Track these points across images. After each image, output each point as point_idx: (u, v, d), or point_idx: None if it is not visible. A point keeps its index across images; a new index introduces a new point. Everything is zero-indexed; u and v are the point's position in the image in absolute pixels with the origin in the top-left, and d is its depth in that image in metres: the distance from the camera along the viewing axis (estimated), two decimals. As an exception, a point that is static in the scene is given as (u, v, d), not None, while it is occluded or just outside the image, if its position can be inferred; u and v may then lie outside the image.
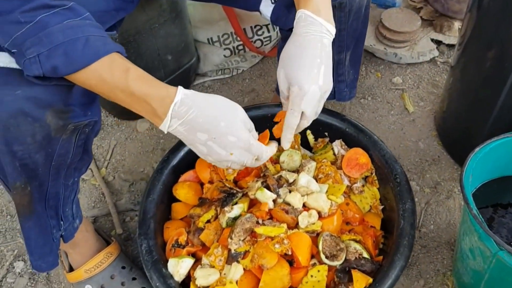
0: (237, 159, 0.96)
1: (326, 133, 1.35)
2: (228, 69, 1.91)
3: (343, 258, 1.11)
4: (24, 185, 0.97)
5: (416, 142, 1.65)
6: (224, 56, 1.86)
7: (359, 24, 1.26)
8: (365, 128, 1.30)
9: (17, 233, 1.52)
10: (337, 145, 1.32)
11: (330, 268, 1.10)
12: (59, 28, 0.79)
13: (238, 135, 0.94)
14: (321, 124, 1.34)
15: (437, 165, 1.58)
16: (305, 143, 1.39)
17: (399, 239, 1.11)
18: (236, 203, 1.15)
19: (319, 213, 1.15)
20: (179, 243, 1.17)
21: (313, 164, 1.26)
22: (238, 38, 1.82)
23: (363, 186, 1.28)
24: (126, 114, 1.78)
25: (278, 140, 1.08)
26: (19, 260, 1.45)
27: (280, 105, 1.35)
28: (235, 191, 1.17)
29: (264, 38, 1.85)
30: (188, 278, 1.13)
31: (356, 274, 1.08)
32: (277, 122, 1.10)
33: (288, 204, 1.14)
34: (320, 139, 1.37)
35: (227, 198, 1.15)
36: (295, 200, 1.14)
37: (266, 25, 1.82)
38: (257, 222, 1.11)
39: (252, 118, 1.31)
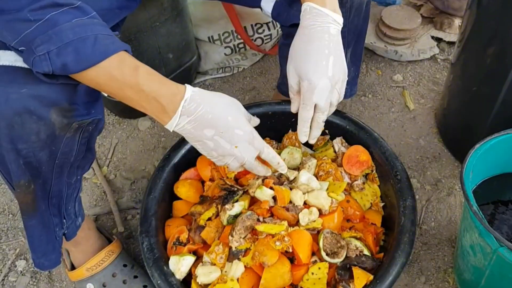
0: (240, 153, 1.00)
1: (327, 131, 1.35)
2: (229, 67, 1.92)
3: (344, 255, 1.11)
4: (28, 183, 0.98)
5: (417, 139, 1.65)
6: (225, 54, 1.86)
7: (360, 20, 1.26)
8: (365, 125, 1.30)
9: (19, 231, 1.52)
10: (338, 143, 1.33)
11: (330, 265, 1.11)
12: (69, 26, 0.80)
13: (244, 128, 0.98)
14: (322, 121, 1.34)
15: (438, 162, 1.58)
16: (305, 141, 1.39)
17: (399, 236, 1.11)
18: (237, 201, 1.16)
19: (319, 210, 1.15)
20: (180, 241, 1.17)
21: (314, 161, 1.26)
22: (239, 36, 1.82)
23: (363, 183, 1.28)
24: (127, 113, 1.78)
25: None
26: (21, 259, 1.46)
27: (280, 102, 1.36)
28: (235, 189, 1.17)
29: (264, 36, 1.85)
30: (190, 275, 1.14)
31: (356, 271, 1.08)
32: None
33: (289, 201, 1.14)
34: (320, 137, 1.37)
35: (228, 195, 1.16)
36: (297, 197, 1.14)
37: (267, 23, 1.82)
38: (258, 220, 1.11)
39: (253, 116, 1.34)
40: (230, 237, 1.09)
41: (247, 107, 1.33)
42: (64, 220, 1.13)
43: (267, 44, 1.88)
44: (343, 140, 1.33)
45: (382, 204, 1.27)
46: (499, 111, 1.31)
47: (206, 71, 1.92)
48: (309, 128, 1.09)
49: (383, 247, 1.20)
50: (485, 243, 1.00)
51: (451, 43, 1.93)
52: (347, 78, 1.09)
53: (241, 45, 1.86)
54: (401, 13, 1.90)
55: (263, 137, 1.37)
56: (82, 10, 0.84)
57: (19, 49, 0.82)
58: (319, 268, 1.09)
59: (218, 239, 1.14)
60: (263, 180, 1.17)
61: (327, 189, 1.20)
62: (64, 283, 1.40)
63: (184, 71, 1.79)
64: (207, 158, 1.28)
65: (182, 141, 1.29)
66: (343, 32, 1.21)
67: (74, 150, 1.01)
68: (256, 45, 1.85)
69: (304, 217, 1.13)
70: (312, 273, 1.09)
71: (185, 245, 1.16)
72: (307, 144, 1.39)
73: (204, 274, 1.09)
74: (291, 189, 1.16)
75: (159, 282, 1.08)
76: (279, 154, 1.32)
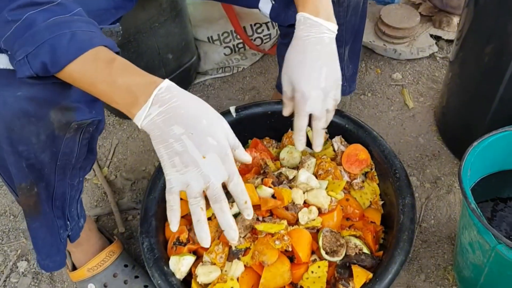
0: (207, 168, 0.84)
1: (326, 130, 1.36)
2: (228, 67, 1.92)
3: (343, 254, 1.12)
4: (30, 186, 0.98)
5: (416, 137, 1.66)
6: (225, 54, 1.87)
7: (357, 19, 1.27)
8: (364, 124, 1.31)
9: (20, 233, 1.53)
10: (337, 141, 1.33)
11: (330, 263, 1.11)
12: (45, 26, 0.78)
13: (218, 139, 0.84)
14: (321, 120, 1.34)
15: (437, 160, 1.59)
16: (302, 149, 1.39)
17: (399, 234, 1.11)
18: (236, 200, 1.16)
19: (319, 209, 1.16)
20: (180, 241, 1.17)
21: (313, 160, 1.26)
22: (238, 36, 1.82)
23: (363, 181, 1.29)
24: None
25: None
26: (22, 260, 1.46)
27: (280, 102, 1.35)
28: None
29: (264, 36, 1.85)
30: (190, 275, 1.14)
31: (356, 270, 1.09)
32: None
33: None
34: (320, 136, 1.37)
35: (227, 194, 1.16)
36: (297, 196, 1.14)
37: (266, 23, 1.83)
38: (257, 219, 1.12)
39: (252, 116, 1.34)
40: (229, 237, 1.10)
41: (247, 106, 1.34)
42: (68, 222, 1.13)
43: (267, 43, 1.89)
44: (342, 139, 1.33)
45: (382, 202, 1.28)
46: (497, 109, 1.32)
47: (206, 71, 1.93)
48: (304, 136, 1.09)
49: (383, 245, 1.20)
50: (484, 240, 1.00)
51: (450, 41, 1.93)
52: (341, 83, 1.09)
53: (240, 45, 1.86)
54: (400, 12, 1.90)
55: (263, 137, 1.39)
56: (63, 6, 0.81)
57: (8, 52, 0.81)
58: (319, 267, 1.09)
59: (218, 239, 1.14)
60: (262, 179, 1.17)
61: (327, 187, 1.21)
62: (65, 283, 1.41)
63: (184, 71, 1.79)
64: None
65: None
66: (340, 30, 1.22)
67: (75, 151, 1.00)
68: (256, 45, 1.85)
69: (304, 216, 1.13)
70: (312, 272, 1.09)
71: (185, 245, 1.17)
72: (306, 143, 1.40)
73: (204, 274, 1.09)
74: (290, 188, 1.17)
75: (159, 282, 1.09)
76: (278, 153, 1.33)
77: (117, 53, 0.85)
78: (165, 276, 1.10)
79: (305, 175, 1.19)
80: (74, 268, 1.33)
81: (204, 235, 0.87)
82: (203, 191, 0.85)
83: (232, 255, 1.10)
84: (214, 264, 1.11)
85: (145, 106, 0.81)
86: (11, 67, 0.84)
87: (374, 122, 1.70)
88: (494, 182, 1.21)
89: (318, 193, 1.16)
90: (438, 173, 1.55)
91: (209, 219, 1.16)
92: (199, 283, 1.10)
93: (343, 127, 1.32)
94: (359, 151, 1.29)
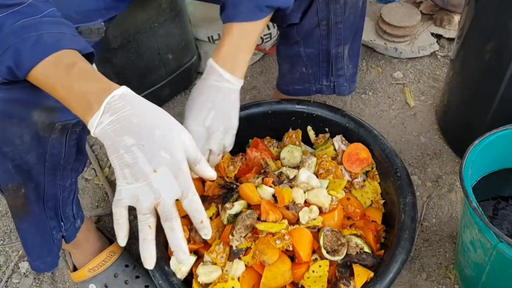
0: (158, 183, 0.76)
1: (327, 129, 1.36)
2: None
3: (344, 253, 1.11)
4: (17, 187, 0.97)
5: (418, 136, 1.65)
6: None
7: (356, 17, 1.27)
8: (365, 123, 1.31)
9: (22, 233, 1.53)
10: (338, 141, 1.33)
11: (331, 263, 1.11)
12: (12, 30, 0.76)
13: (172, 152, 0.76)
14: (322, 120, 1.34)
15: (439, 158, 1.58)
16: (306, 139, 1.39)
17: (400, 232, 1.11)
18: (236, 199, 1.16)
19: (320, 208, 1.16)
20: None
21: (314, 159, 1.26)
22: (238, 36, 1.82)
23: (364, 180, 1.29)
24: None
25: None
26: (24, 261, 1.46)
27: (280, 101, 1.36)
28: (234, 186, 1.18)
29: (264, 35, 1.85)
30: (191, 275, 1.14)
31: (357, 269, 1.09)
32: None
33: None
34: (320, 135, 1.37)
35: (227, 193, 1.16)
36: (298, 195, 1.14)
37: (266, 22, 1.82)
38: (258, 219, 1.12)
39: (253, 115, 1.34)
40: (230, 236, 1.10)
41: (247, 106, 1.34)
42: (62, 223, 1.12)
43: (267, 43, 1.88)
44: (343, 138, 1.33)
45: (383, 201, 1.28)
46: (498, 107, 1.31)
47: (207, 71, 1.92)
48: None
49: (384, 244, 1.20)
50: (485, 239, 1.00)
51: (451, 40, 1.93)
52: (234, 131, 1.10)
53: (240, 45, 1.86)
54: (400, 10, 1.90)
55: (264, 136, 1.39)
56: (34, 8, 0.79)
57: None
58: (320, 266, 1.09)
59: (219, 239, 1.15)
60: (262, 179, 1.17)
61: (327, 187, 1.21)
62: (67, 284, 1.41)
63: (184, 71, 1.79)
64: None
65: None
66: (338, 29, 1.22)
67: (62, 152, 0.99)
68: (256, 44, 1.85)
69: (304, 215, 1.13)
70: (313, 271, 1.09)
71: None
72: (307, 143, 1.40)
73: (205, 274, 1.10)
74: (291, 187, 1.17)
75: (160, 282, 1.09)
76: (279, 153, 1.33)
77: (91, 53, 0.82)
78: (166, 276, 1.10)
79: (305, 175, 1.18)
80: (75, 268, 1.33)
81: (147, 255, 0.78)
82: (154, 207, 0.78)
83: (233, 254, 1.10)
84: (215, 264, 1.11)
85: (97, 114, 0.76)
86: None
87: (375, 121, 1.70)
88: (495, 181, 1.21)
89: (318, 193, 1.16)
90: (440, 172, 1.55)
91: (209, 219, 1.16)
92: (200, 282, 1.10)
93: (344, 126, 1.32)
94: (360, 150, 1.28)
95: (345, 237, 1.14)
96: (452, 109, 1.55)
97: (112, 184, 1.61)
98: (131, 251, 1.44)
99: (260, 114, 1.35)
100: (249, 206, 1.16)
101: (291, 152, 1.30)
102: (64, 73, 0.76)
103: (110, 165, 1.65)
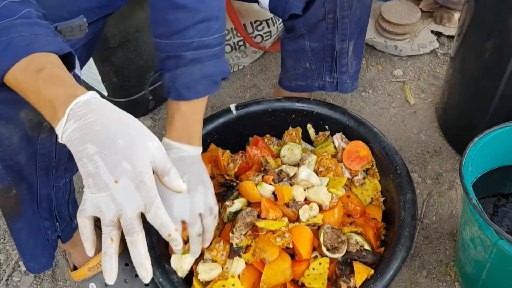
0: (119, 195, 0.72)
1: (327, 127, 1.36)
2: (229, 65, 1.92)
3: (345, 250, 1.12)
4: (8, 188, 0.95)
5: (418, 133, 1.65)
6: (225, 52, 1.86)
7: (363, 13, 1.26)
8: (365, 120, 1.31)
9: (22, 232, 1.53)
10: (338, 138, 1.33)
11: (331, 260, 1.11)
12: None
13: (135, 163, 0.72)
14: (322, 117, 1.34)
15: (439, 156, 1.58)
16: (306, 137, 1.39)
17: (400, 230, 1.11)
18: (236, 197, 1.16)
19: (320, 206, 1.16)
20: (182, 238, 1.17)
21: (314, 157, 1.26)
22: (238, 34, 1.82)
23: (364, 178, 1.29)
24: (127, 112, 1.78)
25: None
26: (24, 259, 1.47)
27: (280, 99, 1.36)
28: (234, 184, 1.18)
29: (264, 33, 1.85)
30: (191, 273, 1.14)
31: (357, 266, 1.09)
32: None
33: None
34: (320, 133, 1.37)
35: (227, 191, 1.16)
36: (298, 193, 1.14)
37: (266, 20, 1.82)
38: (258, 216, 1.12)
39: (253, 113, 1.34)
40: (230, 234, 1.10)
41: (247, 104, 1.34)
42: (58, 223, 1.11)
43: (267, 41, 1.88)
44: (343, 136, 1.33)
45: (383, 198, 1.28)
46: (498, 104, 1.31)
47: (206, 69, 1.92)
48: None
49: (384, 242, 1.20)
50: (485, 236, 1.00)
51: (451, 37, 1.93)
52: (212, 190, 1.09)
53: (240, 43, 1.86)
54: (400, 8, 1.89)
55: (264, 134, 1.39)
56: (8, 9, 0.77)
57: None
58: (320, 264, 1.10)
59: (219, 236, 1.15)
60: (262, 177, 1.17)
61: (327, 184, 1.21)
62: (67, 282, 1.41)
63: (184, 69, 1.79)
64: (207, 156, 1.29)
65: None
66: (345, 23, 1.22)
67: (53, 152, 0.97)
68: (256, 42, 1.85)
69: (305, 213, 1.13)
70: (313, 269, 1.09)
71: (186, 242, 1.17)
72: (307, 140, 1.40)
73: (205, 271, 1.10)
74: (291, 185, 1.17)
75: (160, 280, 1.09)
76: (279, 151, 1.33)
77: (69, 53, 0.80)
78: (166, 274, 1.10)
79: (305, 172, 1.19)
80: (75, 267, 1.33)
81: (107, 270, 0.73)
82: (118, 220, 0.73)
83: (233, 252, 1.11)
84: (215, 261, 1.11)
85: (61, 120, 0.72)
86: None
87: (375, 119, 1.70)
88: (495, 178, 1.21)
89: (319, 190, 1.16)
90: (440, 169, 1.55)
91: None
92: (200, 280, 1.10)
93: (344, 124, 1.32)
94: (360, 148, 1.28)
95: (345, 234, 1.14)
96: (452, 106, 1.55)
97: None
98: (132, 250, 1.44)
99: (260, 112, 1.35)
100: (249, 204, 1.16)
101: (291, 150, 1.30)
102: (32, 78, 0.73)
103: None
